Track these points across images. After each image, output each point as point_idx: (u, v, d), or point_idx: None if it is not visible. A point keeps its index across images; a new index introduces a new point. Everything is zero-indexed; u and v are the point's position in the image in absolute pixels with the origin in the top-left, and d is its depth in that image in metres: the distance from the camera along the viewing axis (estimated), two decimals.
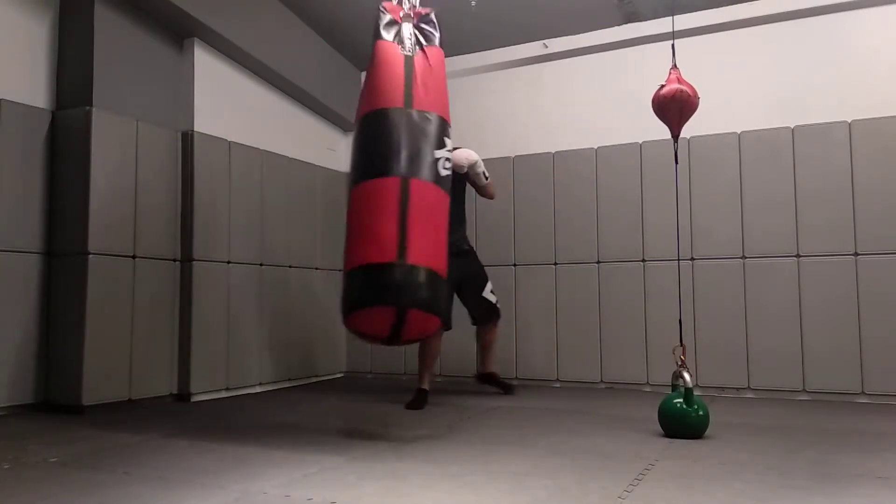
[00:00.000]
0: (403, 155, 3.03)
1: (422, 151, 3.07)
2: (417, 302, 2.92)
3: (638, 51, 4.98)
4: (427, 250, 2.98)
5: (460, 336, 5.38)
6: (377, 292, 2.89)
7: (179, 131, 4.51)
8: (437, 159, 3.10)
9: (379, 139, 3.08)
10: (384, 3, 3.34)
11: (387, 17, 3.28)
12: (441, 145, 3.14)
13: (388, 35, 3.23)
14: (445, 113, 3.24)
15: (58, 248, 3.99)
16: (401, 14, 3.32)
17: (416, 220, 2.96)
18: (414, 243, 2.93)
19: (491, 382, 4.65)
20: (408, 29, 3.29)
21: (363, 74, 5.92)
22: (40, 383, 3.91)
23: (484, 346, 4.65)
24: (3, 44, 3.89)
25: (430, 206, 3.05)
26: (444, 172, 3.11)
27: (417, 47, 3.25)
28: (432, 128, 3.13)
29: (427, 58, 3.26)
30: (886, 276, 4.20)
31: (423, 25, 3.34)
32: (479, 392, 4.74)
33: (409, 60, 3.19)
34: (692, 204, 4.70)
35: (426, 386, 4.23)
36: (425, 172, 3.05)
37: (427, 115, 3.14)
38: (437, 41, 3.32)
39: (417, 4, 3.38)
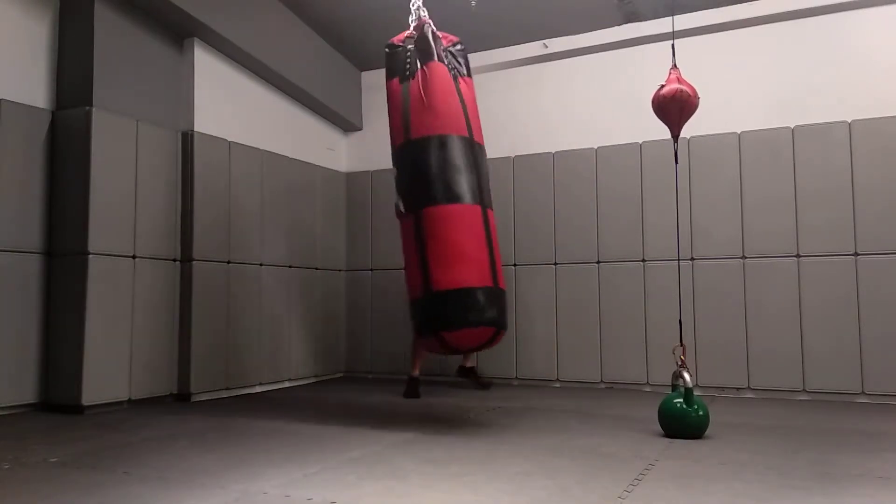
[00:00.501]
0: (478, 184, 3.37)
1: (487, 182, 3.45)
2: (505, 323, 3.34)
3: (638, 51, 4.98)
4: (501, 273, 3.37)
5: None
6: (481, 313, 3.20)
7: (179, 131, 4.51)
8: (487, 188, 3.46)
9: (453, 166, 3.32)
10: (423, 22, 3.50)
11: (430, 36, 3.44)
12: (487, 170, 3.49)
13: (439, 55, 3.43)
14: (483, 141, 3.57)
15: (58, 248, 3.99)
16: (434, 32, 3.50)
17: (496, 246, 3.37)
18: (499, 269, 3.34)
19: (469, 377, 4.84)
20: (444, 48, 3.50)
21: (363, 75, 5.98)
22: (40, 383, 3.91)
23: None
24: (3, 44, 3.89)
25: (495, 234, 3.42)
26: (492, 196, 3.48)
27: (457, 73, 3.50)
28: (485, 159, 3.51)
29: (468, 87, 3.52)
30: (886, 276, 4.20)
31: (457, 55, 3.55)
32: (479, 392, 4.75)
33: (458, 89, 3.44)
34: (692, 204, 4.70)
35: (418, 373, 4.51)
36: (490, 201, 3.45)
37: (482, 147, 3.49)
38: (469, 72, 3.62)
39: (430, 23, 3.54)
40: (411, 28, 3.56)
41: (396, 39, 3.58)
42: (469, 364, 4.90)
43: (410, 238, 3.34)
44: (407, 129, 3.38)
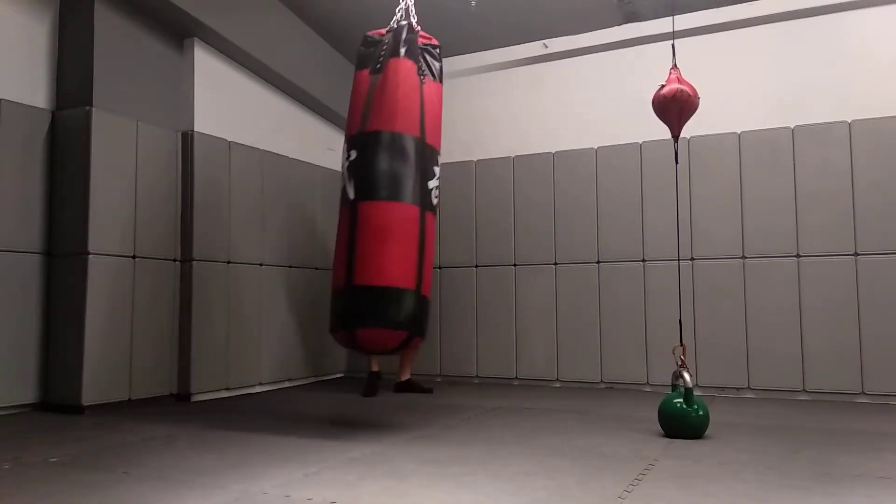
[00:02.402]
0: (421, 186, 3.31)
1: (432, 185, 3.38)
2: (422, 331, 3.30)
3: (638, 51, 4.98)
4: (428, 281, 3.30)
5: (459, 338, 5.39)
6: (395, 315, 3.15)
7: (179, 131, 4.51)
8: (431, 190, 3.40)
9: (403, 165, 3.28)
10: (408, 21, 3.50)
11: (405, 33, 3.43)
12: (434, 175, 3.43)
13: (407, 54, 3.40)
14: (440, 147, 3.53)
15: (58, 248, 3.99)
16: (410, 28, 3.48)
17: (428, 251, 3.30)
18: (425, 274, 3.26)
19: (409, 390, 4.73)
20: (418, 46, 3.46)
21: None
22: (40, 383, 3.91)
23: (407, 353, 4.70)
24: (3, 44, 3.89)
25: (432, 239, 3.36)
26: (434, 202, 3.42)
27: (425, 76, 3.44)
28: (435, 162, 3.43)
29: (433, 91, 3.46)
30: (886, 276, 4.20)
31: (430, 56, 3.51)
32: (478, 392, 4.75)
33: (421, 89, 3.38)
34: (692, 204, 4.70)
35: (377, 368, 4.62)
36: (431, 205, 3.38)
37: (434, 151, 3.43)
38: (439, 77, 3.55)
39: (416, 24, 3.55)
40: (393, 22, 3.55)
41: (375, 32, 3.57)
42: (404, 377, 4.78)
43: (345, 228, 3.32)
44: (364, 120, 3.36)
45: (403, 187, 3.26)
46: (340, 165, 3.50)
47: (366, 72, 3.48)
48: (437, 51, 3.58)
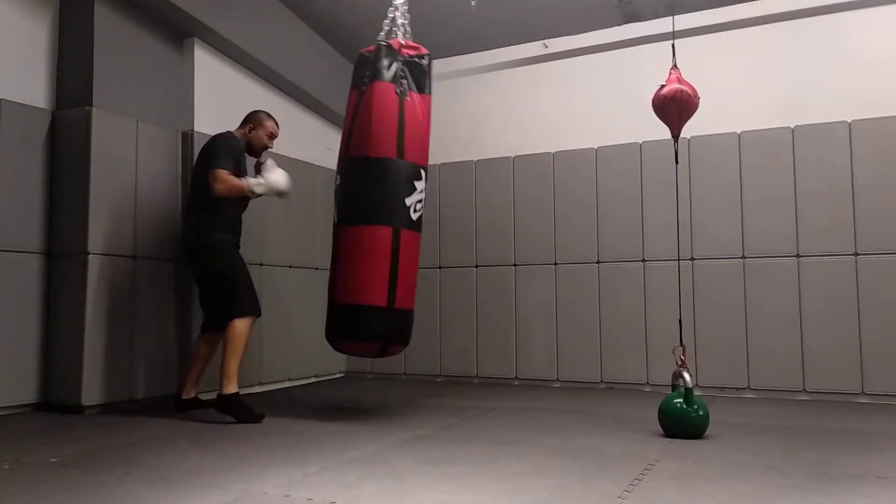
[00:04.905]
0: (396, 205, 3.48)
1: (405, 202, 3.50)
2: (398, 340, 3.63)
3: (638, 51, 4.98)
4: (405, 294, 3.54)
5: (459, 338, 5.39)
6: (369, 330, 3.51)
7: (179, 131, 4.51)
8: (409, 206, 3.52)
9: (375, 188, 3.47)
10: (389, 39, 3.58)
11: (384, 54, 3.51)
12: (415, 190, 3.55)
13: (386, 74, 3.49)
14: (425, 161, 3.65)
15: (58, 248, 3.99)
16: (390, 48, 3.54)
17: (404, 267, 3.50)
18: (399, 289, 3.49)
19: (194, 407, 3.89)
20: (397, 65, 3.52)
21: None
22: (40, 383, 3.91)
23: (205, 359, 3.94)
24: (3, 44, 3.89)
25: (411, 253, 3.57)
26: (415, 216, 3.57)
27: (408, 89, 3.52)
28: (417, 176, 3.55)
29: (416, 105, 3.54)
30: (886, 276, 4.21)
31: (415, 70, 3.56)
32: (478, 392, 4.75)
33: (401, 107, 3.49)
34: (692, 204, 4.70)
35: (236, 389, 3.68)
36: (410, 222, 3.53)
37: (417, 168, 3.55)
38: (427, 89, 3.63)
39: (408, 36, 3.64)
40: (382, 34, 3.61)
41: (367, 50, 3.61)
42: (186, 396, 3.88)
43: (333, 247, 3.63)
44: (347, 143, 3.60)
45: (375, 210, 3.46)
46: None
47: (354, 93, 3.60)
48: (426, 60, 3.62)
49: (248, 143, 3.95)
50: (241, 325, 3.65)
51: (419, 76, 3.57)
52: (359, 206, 3.49)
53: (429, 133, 3.65)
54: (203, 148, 3.89)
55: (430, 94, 3.65)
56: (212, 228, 3.75)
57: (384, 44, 3.54)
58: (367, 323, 3.47)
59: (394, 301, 3.47)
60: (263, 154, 4.02)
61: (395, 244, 3.46)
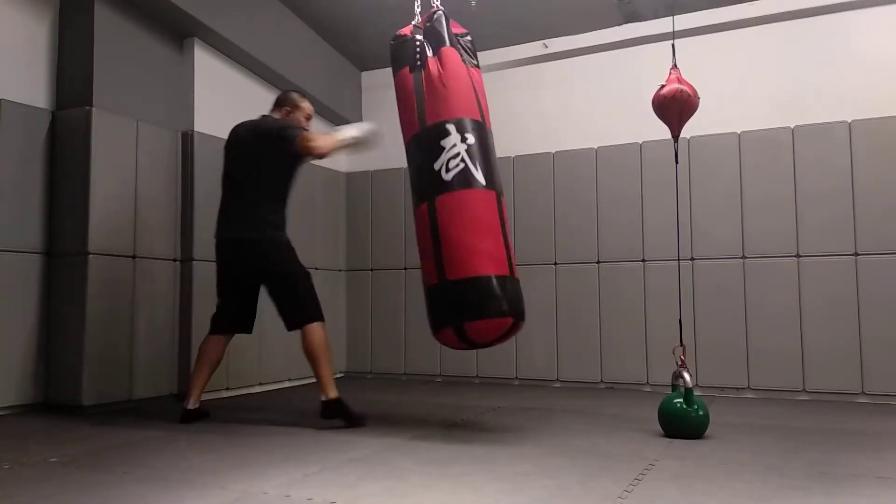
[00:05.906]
0: (491, 170, 3.27)
1: (497, 169, 3.34)
2: (522, 313, 3.20)
3: (638, 51, 4.98)
4: (515, 264, 3.27)
5: None
6: (497, 304, 3.07)
7: (179, 131, 4.51)
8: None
9: (468, 150, 3.22)
10: (434, 10, 3.49)
11: (443, 20, 3.44)
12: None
13: (452, 41, 3.41)
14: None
15: (58, 248, 3.99)
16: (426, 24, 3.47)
17: (509, 234, 3.27)
18: (513, 257, 3.25)
19: (193, 420, 3.61)
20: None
21: (363, 75, 5.98)
22: (40, 383, 3.91)
23: (213, 365, 3.72)
24: (3, 44, 3.89)
25: (507, 222, 3.30)
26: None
27: (467, 60, 3.44)
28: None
29: (478, 77, 3.48)
30: (886, 276, 4.20)
31: (465, 45, 3.51)
32: (478, 392, 4.75)
33: (470, 75, 3.39)
34: (692, 204, 4.70)
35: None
36: (502, 189, 3.34)
37: (491, 133, 3.40)
38: (476, 63, 3.55)
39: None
40: (417, 16, 3.50)
41: (403, 31, 3.51)
42: (193, 406, 3.60)
43: (425, 226, 3.23)
44: (422, 117, 3.29)
45: (476, 173, 3.22)
46: (411, 161, 3.39)
47: (405, 71, 3.39)
48: (468, 38, 3.55)
49: None
50: (319, 329, 3.50)
51: (470, 50, 3.50)
52: (458, 171, 3.19)
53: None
54: (255, 133, 3.56)
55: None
56: (282, 227, 3.62)
57: (442, 15, 3.43)
58: (496, 294, 3.06)
59: (513, 270, 3.17)
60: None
61: (499, 208, 3.23)
